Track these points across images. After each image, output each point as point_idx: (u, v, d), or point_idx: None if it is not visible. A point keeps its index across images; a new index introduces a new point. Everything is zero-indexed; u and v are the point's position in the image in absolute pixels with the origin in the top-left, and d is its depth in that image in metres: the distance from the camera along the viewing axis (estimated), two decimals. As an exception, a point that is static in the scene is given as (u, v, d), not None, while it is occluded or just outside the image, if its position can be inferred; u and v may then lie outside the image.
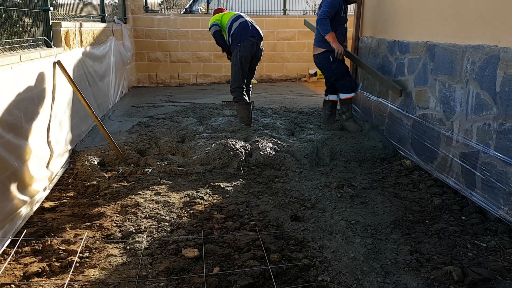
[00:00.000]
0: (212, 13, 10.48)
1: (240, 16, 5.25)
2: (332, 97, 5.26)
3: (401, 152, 4.33)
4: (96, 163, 4.02)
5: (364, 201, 3.35)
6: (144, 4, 9.09)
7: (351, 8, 9.83)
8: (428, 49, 3.87)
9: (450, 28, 3.58)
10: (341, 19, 4.84)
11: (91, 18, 6.02)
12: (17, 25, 3.63)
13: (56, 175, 3.68)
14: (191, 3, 11.69)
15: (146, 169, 3.93)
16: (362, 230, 2.87)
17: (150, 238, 2.75)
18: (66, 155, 4.07)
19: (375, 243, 2.70)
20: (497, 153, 2.94)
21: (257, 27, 5.26)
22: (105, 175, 3.81)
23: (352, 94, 5.06)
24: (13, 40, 3.29)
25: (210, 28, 5.35)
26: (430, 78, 3.84)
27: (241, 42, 5.06)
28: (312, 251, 2.61)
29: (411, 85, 4.20)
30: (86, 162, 3.96)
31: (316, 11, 10.74)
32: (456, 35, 3.47)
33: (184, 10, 11.41)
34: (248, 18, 5.27)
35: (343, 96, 5.09)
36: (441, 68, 3.65)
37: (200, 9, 11.51)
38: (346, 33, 5.07)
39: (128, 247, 2.64)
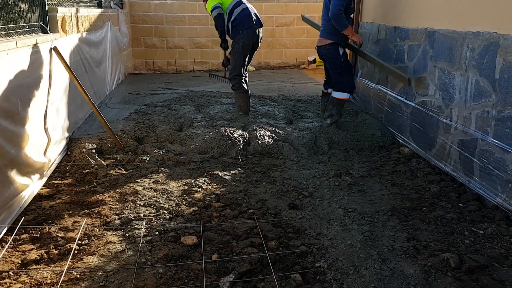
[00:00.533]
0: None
1: (241, 2, 5.07)
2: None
3: (400, 140, 4.33)
4: (94, 150, 4.00)
5: (362, 189, 3.36)
6: (140, -11, 8.97)
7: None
8: (428, 36, 3.84)
9: (449, 15, 3.55)
10: (350, 10, 4.61)
11: (88, 3, 5.94)
12: (13, 11, 3.57)
13: (53, 162, 3.66)
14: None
15: (144, 157, 3.92)
16: (359, 217, 2.88)
17: (149, 225, 2.76)
18: (64, 142, 4.06)
19: (372, 230, 2.71)
20: (495, 141, 2.94)
21: (258, 14, 5.15)
22: (103, 162, 3.80)
23: (347, 96, 4.62)
24: (9, 26, 3.24)
25: (212, 11, 4.99)
26: (430, 65, 3.82)
27: (243, 29, 4.93)
28: (310, 239, 2.62)
29: (411, 72, 4.17)
30: (84, 150, 3.94)
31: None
32: (455, 21, 3.44)
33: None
34: (248, 4, 5.13)
35: (338, 95, 4.62)
36: (441, 55, 3.63)
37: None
38: (353, 23, 4.94)
39: (127, 234, 2.64)
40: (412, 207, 3.04)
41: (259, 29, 5.09)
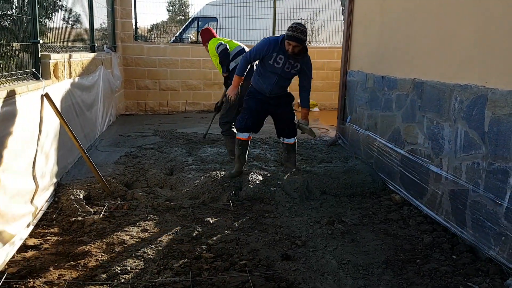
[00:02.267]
0: (200, 41, 10.62)
1: (244, 50, 5.10)
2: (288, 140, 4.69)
3: (390, 187, 4.33)
4: (81, 197, 3.93)
5: (355, 238, 3.32)
6: (134, 32, 9.14)
7: (334, 40, 10.09)
8: (416, 86, 3.94)
9: (437, 67, 3.66)
10: (270, 67, 4.25)
11: (81, 48, 6.01)
12: (5, 58, 3.59)
13: (40, 210, 3.58)
14: (181, 32, 11.83)
15: (134, 204, 3.85)
16: (353, 270, 2.83)
17: (136, 279, 2.67)
18: (51, 188, 3.98)
19: (367, 285, 2.66)
20: (486, 192, 2.95)
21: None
22: (91, 209, 3.72)
23: (240, 135, 4.46)
24: (1, 74, 3.25)
25: (217, 48, 5.08)
26: (418, 115, 3.89)
27: (244, 81, 4.97)
28: (304, 294, 2.55)
29: (399, 120, 4.24)
30: (72, 196, 3.86)
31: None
32: (443, 74, 3.54)
33: (174, 38, 11.52)
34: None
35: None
36: (429, 106, 3.71)
37: (190, 37, 11.64)
38: (283, 87, 4.45)
39: (113, 290, 2.55)
40: (406, 259, 3.00)
41: None
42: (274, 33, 9.79)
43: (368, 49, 5.25)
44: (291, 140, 4.70)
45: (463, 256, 3.04)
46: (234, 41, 5.33)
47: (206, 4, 11.70)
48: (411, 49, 4.15)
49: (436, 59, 3.69)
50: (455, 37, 3.43)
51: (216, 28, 11.12)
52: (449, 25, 3.52)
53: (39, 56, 3.96)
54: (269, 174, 4.54)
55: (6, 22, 3.67)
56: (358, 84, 5.40)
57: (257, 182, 4.29)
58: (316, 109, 9.78)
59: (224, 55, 5.08)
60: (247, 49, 5.13)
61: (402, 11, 4.36)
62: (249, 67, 4.52)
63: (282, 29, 9.84)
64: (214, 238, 3.29)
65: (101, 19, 7.39)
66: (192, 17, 12.22)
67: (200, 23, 11.66)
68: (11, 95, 3.08)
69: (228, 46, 5.10)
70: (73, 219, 3.52)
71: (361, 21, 5.49)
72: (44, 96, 3.74)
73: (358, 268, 2.86)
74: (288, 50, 4.09)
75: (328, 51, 9.79)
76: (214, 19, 11.23)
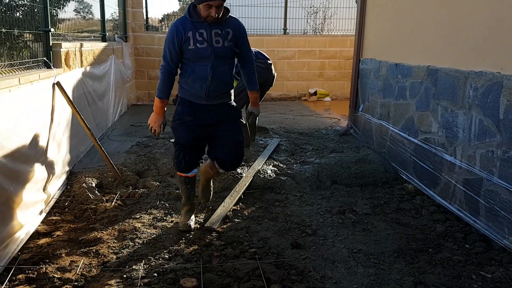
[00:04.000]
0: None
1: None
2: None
3: (403, 176, 4.28)
4: (93, 185, 3.96)
5: (366, 227, 3.29)
6: (144, 22, 9.14)
7: (347, 28, 9.97)
8: (430, 74, 3.86)
9: (452, 54, 3.58)
10: (194, 55, 2.93)
11: (92, 38, 6.03)
12: (17, 47, 3.61)
13: (52, 198, 3.61)
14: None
15: (145, 192, 3.87)
16: (364, 259, 2.81)
17: (147, 266, 2.68)
18: (64, 177, 4.02)
19: (379, 274, 2.63)
20: (501, 181, 2.90)
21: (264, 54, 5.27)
22: (103, 197, 3.75)
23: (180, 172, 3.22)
24: (13, 62, 3.27)
25: None
26: (432, 103, 3.82)
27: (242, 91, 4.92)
28: (314, 282, 2.54)
29: (413, 108, 4.18)
30: (84, 184, 3.90)
31: (316, 31, 10.86)
32: (458, 60, 3.46)
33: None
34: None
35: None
36: (444, 93, 3.64)
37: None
38: (223, 81, 3.04)
39: (125, 276, 2.57)
40: (418, 248, 2.97)
41: (268, 67, 5.14)
42: (285, 22, 9.72)
43: (381, 36, 5.16)
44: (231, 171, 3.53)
45: (476, 245, 3.00)
46: None
47: (217, -7, 11.62)
48: (425, 36, 4.06)
49: (450, 45, 3.61)
50: (469, 23, 3.35)
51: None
52: (463, 11, 3.44)
53: (51, 44, 3.98)
54: (279, 164, 4.52)
55: (18, 12, 3.69)
56: (371, 72, 5.33)
57: (268, 171, 4.27)
58: (328, 98, 9.71)
59: None
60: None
61: (416, -3, 4.27)
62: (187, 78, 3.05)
63: (293, 17, 9.78)
64: (224, 226, 3.29)
65: (112, 8, 7.39)
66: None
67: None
68: (23, 83, 3.09)
69: None
70: (85, 206, 3.55)
71: (375, 8, 5.40)
72: (55, 85, 3.76)
73: (369, 257, 2.83)
74: (211, 16, 2.81)
75: (340, 39, 9.68)
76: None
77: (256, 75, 3.28)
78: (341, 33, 10.11)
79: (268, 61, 5.27)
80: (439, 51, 3.79)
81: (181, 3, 27.81)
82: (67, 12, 5.01)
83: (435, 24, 3.88)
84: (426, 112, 3.93)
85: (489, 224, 3.02)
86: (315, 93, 9.65)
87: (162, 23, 16.39)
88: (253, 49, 5.12)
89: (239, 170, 4.21)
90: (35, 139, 3.26)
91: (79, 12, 6.54)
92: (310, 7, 10.24)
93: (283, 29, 9.70)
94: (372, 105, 5.28)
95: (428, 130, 3.88)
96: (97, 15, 6.52)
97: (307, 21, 10.55)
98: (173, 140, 3.35)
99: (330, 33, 10.36)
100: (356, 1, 9.42)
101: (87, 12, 7.03)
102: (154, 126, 3.21)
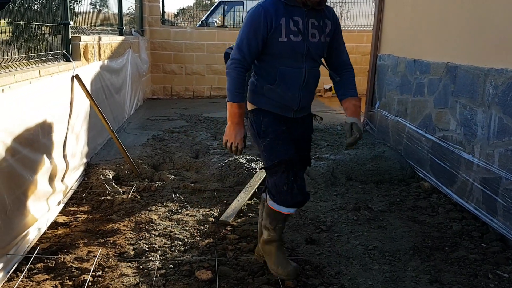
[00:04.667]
0: (227, 26, 10.60)
1: None
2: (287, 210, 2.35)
3: (420, 174, 4.24)
4: (110, 177, 4.01)
5: (382, 225, 3.27)
6: (161, 17, 9.18)
7: (364, 24, 9.85)
8: (449, 70, 3.81)
9: (472, 51, 3.52)
10: (285, 49, 2.22)
11: (110, 31, 6.08)
12: (37, 39, 3.66)
13: (70, 189, 3.67)
14: (207, 16, 11.80)
15: (160, 185, 3.91)
16: (380, 256, 2.80)
17: (163, 257, 2.72)
18: (81, 168, 4.08)
19: (394, 271, 2.62)
20: (521, 180, 2.85)
21: None
22: (120, 189, 3.80)
23: (286, 211, 2.33)
24: (33, 54, 3.32)
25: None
26: (451, 100, 3.77)
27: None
28: (329, 278, 2.54)
29: (431, 105, 4.13)
30: (101, 176, 3.95)
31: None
32: (478, 57, 3.41)
33: (200, 22, 11.51)
34: None
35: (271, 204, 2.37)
36: (462, 90, 3.58)
37: (216, 21, 11.61)
38: (313, 83, 2.37)
39: (141, 267, 2.60)
40: (434, 246, 2.94)
41: None
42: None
43: (399, 32, 5.10)
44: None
45: (493, 244, 2.96)
46: None
47: (233, -12, 11.62)
48: (444, 32, 4.01)
49: (470, 42, 3.56)
50: (491, 19, 3.29)
51: (243, 12, 11.05)
52: (485, 7, 3.37)
53: (70, 37, 4.03)
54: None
55: (36, 5, 3.73)
56: (389, 68, 5.27)
57: (283, 166, 4.27)
58: (342, 95, 9.62)
59: (226, 58, 5.11)
60: None
61: (436, -7, 4.21)
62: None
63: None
64: (239, 220, 3.31)
65: (129, 2, 7.44)
66: (219, 1, 12.16)
67: (226, 7, 11.60)
68: (43, 75, 3.14)
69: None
70: (103, 198, 3.60)
71: (393, 3, 5.33)
72: (74, 78, 3.81)
73: (384, 254, 2.82)
74: None
75: (357, 34, 9.58)
76: (241, 2, 11.15)
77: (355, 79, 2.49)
78: (358, 28, 10.01)
79: None
80: (459, 48, 3.73)
81: (197, -3, 27.85)
82: (85, 5, 5.06)
83: (455, 21, 3.82)
84: (444, 109, 3.88)
85: (506, 224, 2.97)
86: (330, 89, 9.59)
87: (178, 17, 16.47)
88: None
89: (253, 165, 4.22)
90: (54, 130, 3.31)
91: (96, 6, 6.60)
92: (328, 2, 10.16)
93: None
94: (389, 101, 5.24)
95: (446, 127, 3.83)
96: (114, 8, 6.57)
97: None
98: (262, 166, 2.63)
99: (346, 28, 10.26)
100: (373, -3, 9.32)
101: (104, 6, 7.09)
102: (236, 141, 2.37)
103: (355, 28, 10.02)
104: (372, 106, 5.82)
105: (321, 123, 5.39)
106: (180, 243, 2.92)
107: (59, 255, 2.68)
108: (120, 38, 6.17)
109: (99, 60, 4.93)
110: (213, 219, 3.29)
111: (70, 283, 2.42)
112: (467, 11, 3.61)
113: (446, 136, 3.82)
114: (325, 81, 9.66)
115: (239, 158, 4.35)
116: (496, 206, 3.09)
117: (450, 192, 3.71)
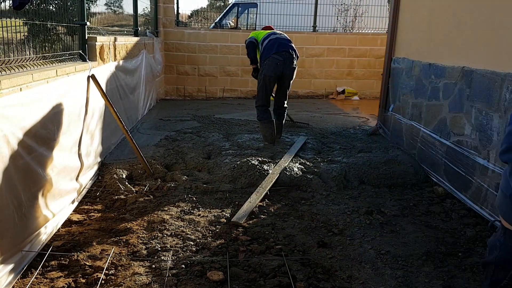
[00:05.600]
0: (240, 28, 10.63)
1: (273, 33, 5.23)
2: None
3: (433, 178, 4.20)
4: (124, 176, 4.05)
5: (395, 229, 3.25)
6: (175, 18, 9.24)
7: (378, 26, 9.80)
8: (465, 75, 3.77)
9: (488, 55, 3.48)
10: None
11: (125, 32, 6.14)
12: (54, 39, 3.72)
13: (84, 187, 3.72)
14: (221, 17, 11.85)
15: (173, 185, 3.93)
16: (392, 261, 2.77)
17: (175, 257, 2.73)
18: (96, 167, 4.12)
19: (406, 276, 2.60)
20: (537, 187, 2.80)
21: (288, 44, 5.11)
22: (133, 189, 3.83)
23: None
24: (50, 54, 3.37)
25: (246, 41, 5.40)
26: (466, 105, 3.73)
27: (266, 59, 5.02)
28: (340, 281, 2.53)
29: (446, 110, 4.09)
30: (115, 175, 3.99)
31: (346, 28, 10.73)
32: (495, 62, 3.37)
33: (213, 24, 11.57)
34: (279, 35, 5.19)
35: None
36: (478, 95, 3.54)
37: (229, 23, 11.65)
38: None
39: (153, 266, 2.62)
40: (447, 252, 2.91)
41: (286, 59, 5.02)
42: (315, 19, 9.64)
43: (415, 35, 5.06)
44: None
45: (509, 252, 2.91)
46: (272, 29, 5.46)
47: (247, -10, 11.66)
48: (461, 36, 3.96)
49: (487, 46, 3.51)
50: (507, 23, 3.24)
51: (256, 14, 11.07)
52: (502, 12, 3.33)
53: (86, 38, 4.08)
54: (306, 162, 4.51)
55: (52, 6, 3.79)
56: (403, 71, 5.24)
57: (294, 169, 4.27)
58: (356, 97, 9.60)
59: (248, 47, 5.31)
60: (278, 32, 5.31)
61: (453, -4, 4.16)
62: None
63: (323, 15, 9.70)
64: (250, 221, 3.31)
65: (144, 3, 7.51)
66: (232, 2, 12.21)
67: (240, 8, 11.63)
68: (60, 74, 3.19)
69: (257, 38, 5.27)
70: (116, 197, 3.63)
71: (409, 6, 5.30)
72: (90, 78, 3.85)
73: (397, 259, 2.80)
74: None
75: (371, 37, 9.53)
76: (255, 4, 11.17)
77: None
78: (372, 31, 9.95)
79: (287, 53, 5.06)
80: (475, 52, 3.69)
81: (210, -1, 27.99)
82: (101, 6, 5.13)
83: (472, 25, 3.78)
84: (460, 114, 3.83)
85: (523, 231, 2.92)
86: (343, 92, 9.55)
87: (191, 18, 16.56)
88: (275, 35, 5.13)
89: (265, 167, 4.22)
90: (69, 129, 3.35)
91: (111, 7, 6.68)
92: (341, 4, 10.10)
93: (313, 26, 9.63)
94: (403, 105, 5.20)
95: (461, 132, 3.79)
96: (129, 10, 6.64)
97: (337, 19, 10.42)
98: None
99: (360, 31, 10.22)
100: (388, 0, 9.28)
101: (119, 7, 7.17)
102: None
103: (369, 31, 9.96)
104: (386, 109, 5.78)
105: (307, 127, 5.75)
106: (192, 243, 2.93)
107: (73, 253, 2.72)
108: (135, 39, 6.23)
109: (115, 61, 4.98)
110: (225, 220, 3.30)
111: (83, 280, 2.45)
112: (484, 15, 3.57)
113: (461, 141, 3.78)
114: (338, 84, 9.64)
115: (251, 159, 4.35)
116: None
117: (464, 197, 3.67)
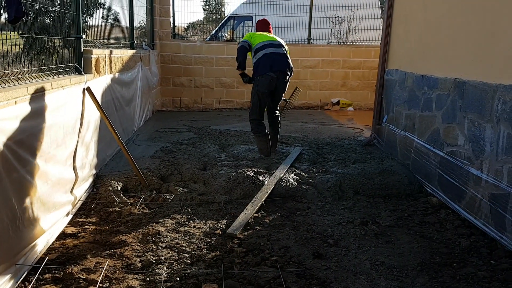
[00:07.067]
0: (236, 40, 10.70)
1: (269, 45, 5.05)
2: None
3: (428, 189, 4.22)
4: (119, 188, 4.05)
5: (390, 240, 3.26)
6: (171, 31, 9.31)
7: (372, 39, 9.91)
8: (457, 86, 3.82)
9: (480, 66, 3.53)
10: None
11: (121, 45, 6.18)
12: (49, 52, 3.74)
13: (79, 200, 3.71)
14: (217, 30, 11.94)
15: (168, 197, 3.93)
16: (387, 271, 2.78)
17: (170, 270, 2.72)
18: (90, 180, 4.12)
19: (401, 287, 2.60)
20: (530, 197, 2.83)
21: (284, 60, 5.05)
22: (128, 201, 3.82)
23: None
24: (46, 67, 3.38)
25: (238, 43, 5.21)
26: (459, 116, 3.77)
27: (259, 75, 4.98)
28: (335, 293, 2.53)
29: (439, 121, 4.13)
30: (110, 188, 3.99)
31: (340, 41, 10.83)
32: (486, 73, 3.42)
33: (209, 36, 11.65)
34: (274, 50, 5.04)
35: None
36: (471, 106, 3.59)
37: (225, 35, 11.74)
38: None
39: (148, 279, 2.61)
40: (442, 263, 2.92)
41: (280, 76, 5.01)
42: (310, 32, 9.73)
43: (408, 47, 5.13)
44: None
45: (502, 261, 2.93)
46: (269, 35, 5.27)
47: (242, 3, 11.76)
48: (453, 48, 4.02)
49: (479, 58, 3.57)
50: (499, 35, 3.30)
51: (251, 27, 11.17)
52: (493, 23, 3.39)
53: (82, 51, 4.10)
54: (301, 173, 4.52)
55: (48, 19, 3.82)
56: (397, 83, 5.29)
57: (289, 180, 4.28)
58: (350, 108, 9.65)
59: (239, 51, 5.08)
60: (276, 42, 5.12)
61: (445, 8, 4.23)
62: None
63: (318, 27, 9.79)
64: (246, 233, 3.31)
65: (140, 16, 7.57)
66: (228, 15, 12.31)
67: (235, 21, 11.74)
68: (55, 87, 3.20)
69: (251, 42, 5.10)
70: (111, 209, 3.63)
71: (401, 19, 5.37)
72: (85, 90, 3.87)
73: (392, 270, 2.80)
74: None
75: (364, 49, 9.64)
76: (250, 17, 11.28)
77: None
78: (366, 43, 10.06)
79: (281, 73, 5.05)
80: (467, 64, 3.74)
81: (206, 12, 28.20)
82: (97, 19, 5.16)
83: (463, 37, 3.84)
84: (453, 124, 3.87)
85: (516, 241, 2.95)
86: (337, 103, 9.62)
87: (187, 31, 16.65)
88: (270, 49, 5.03)
89: (261, 178, 4.23)
90: (64, 142, 3.36)
91: (108, 20, 6.72)
92: (335, 17, 10.22)
93: (307, 38, 9.72)
94: (396, 116, 5.24)
95: (454, 143, 3.82)
96: (125, 23, 6.68)
97: (331, 31, 10.52)
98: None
99: (354, 43, 10.32)
100: (381, 13, 9.40)
101: (115, 20, 7.21)
102: None
103: (363, 43, 10.07)
104: (380, 120, 5.82)
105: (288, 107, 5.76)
106: (187, 255, 2.92)
107: (67, 266, 2.70)
108: (131, 51, 6.27)
109: (110, 73, 5.01)
110: (220, 232, 3.30)
111: (78, 294, 2.43)
112: (476, 28, 3.63)
113: (454, 151, 3.81)
114: (333, 95, 9.71)
115: (247, 170, 4.36)
116: (505, 223, 3.07)
117: (458, 207, 3.69)
